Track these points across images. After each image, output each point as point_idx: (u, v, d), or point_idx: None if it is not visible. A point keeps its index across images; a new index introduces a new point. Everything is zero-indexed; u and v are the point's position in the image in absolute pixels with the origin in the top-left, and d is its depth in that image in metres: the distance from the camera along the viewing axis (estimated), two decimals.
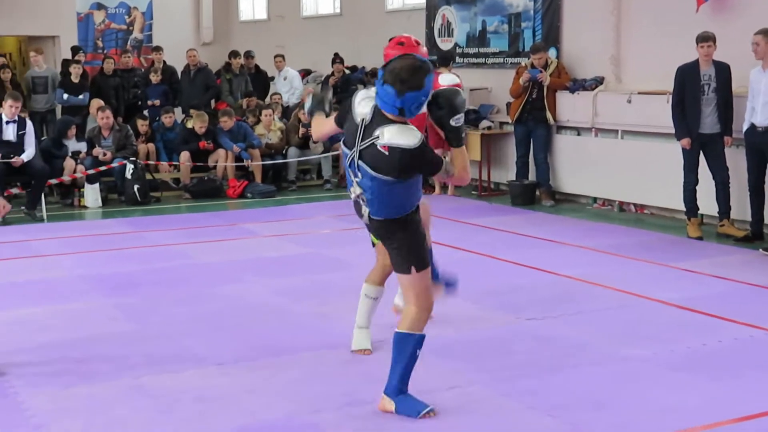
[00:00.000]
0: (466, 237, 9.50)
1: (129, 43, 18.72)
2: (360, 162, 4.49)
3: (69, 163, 11.94)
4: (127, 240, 9.62)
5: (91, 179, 11.91)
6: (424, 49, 5.49)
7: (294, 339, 5.98)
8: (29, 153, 10.97)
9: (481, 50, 13.38)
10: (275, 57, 15.72)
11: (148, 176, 12.51)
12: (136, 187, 12.04)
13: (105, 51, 17.94)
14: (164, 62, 15.17)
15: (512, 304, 6.88)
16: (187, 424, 4.67)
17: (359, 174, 4.54)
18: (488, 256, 8.55)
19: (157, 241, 9.50)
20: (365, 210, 4.69)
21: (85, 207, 11.86)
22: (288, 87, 15.29)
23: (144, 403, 4.96)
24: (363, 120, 4.52)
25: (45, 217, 11.03)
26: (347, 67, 15.09)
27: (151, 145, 13.10)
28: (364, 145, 4.46)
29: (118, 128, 12.56)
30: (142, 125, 13.25)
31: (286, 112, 14.43)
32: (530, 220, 10.55)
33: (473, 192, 12.74)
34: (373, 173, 4.46)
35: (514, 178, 12.02)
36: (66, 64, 15.23)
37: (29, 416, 4.78)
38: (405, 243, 4.66)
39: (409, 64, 4.37)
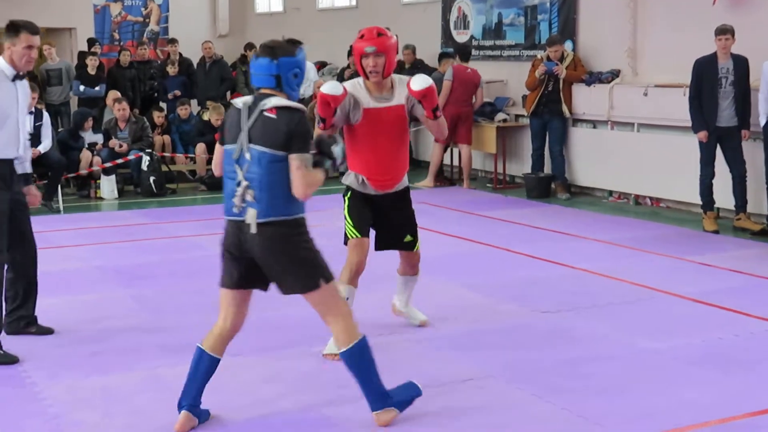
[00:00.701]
0: (481, 230, 9.49)
1: (145, 35, 18.75)
2: (250, 145, 4.25)
3: (85, 154, 11.99)
4: (143, 231, 9.66)
5: (107, 171, 11.95)
6: (393, 39, 5.39)
7: (309, 331, 5.99)
8: (46, 145, 11.01)
9: (497, 43, 13.34)
10: None
11: (164, 168, 12.56)
12: (152, 178, 12.09)
13: (121, 43, 17.96)
14: (180, 54, 15.20)
15: (527, 297, 6.87)
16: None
17: (246, 161, 4.25)
18: (503, 249, 8.54)
19: (173, 232, 9.54)
20: (251, 216, 4.24)
21: (101, 198, 11.90)
22: (304, 79, 15.28)
23: (160, 393, 4.98)
24: (245, 103, 4.37)
25: (62, 208, 11.07)
26: None
27: (167, 137, 13.14)
28: (251, 121, 4.28)
29: (135, 120, 12.61)
30: (158, 117, 13.28)
31: (301, 104, 14.41)
32: (545, 213, 10.53)
33: (488, 185, 12.72)
34: (262, 148, 4.22)
35: (529, 171, 11.98)
36: (82, 56, 15.27)
37: (47, 405, 4.81)
38: (303, 255, 4.32)
39: (277, 40, 4.50)
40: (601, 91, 11.34)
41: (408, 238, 5.71)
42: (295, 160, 4.18)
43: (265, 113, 4.25)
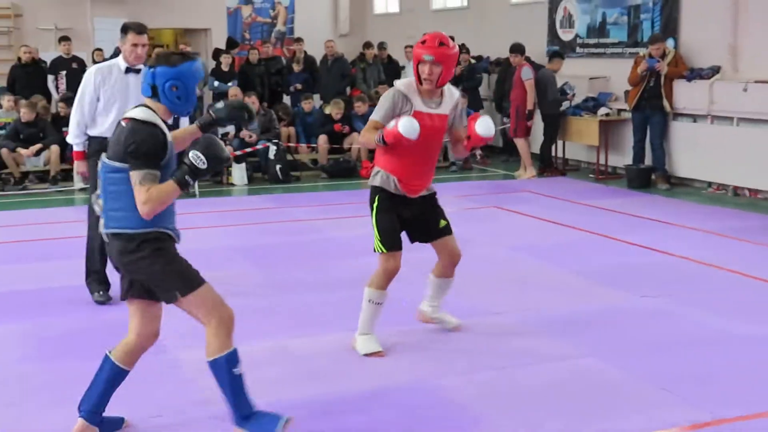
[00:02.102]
0: (582, 218, 9.35)
1: (273, 35, 19.00)
2: (103, 156, 3.90)
3: None
4: (269, 215, 9.82)
5: (238, 159, 12.18)
6: (454, 50, 4.96)
7: (414, 311, 5.99)
8: None
9: (601, 41, 13.10)
10: (405, 47, 15.73)
11: (289, 157, 12.73)
12: (278, 166, 12.27)
13: (251, 42, 18.25)
14: (305, 52, 15.37)
15: (626, 281, 6.74)
16: (326, 383, 4.75)
17: (99, 172, 3.93)
18: (604, 236, 8.39)
19: (297, 216, 9.67)
20: (101, 226, 3.94)
21: (232, 184, 12.14)
22: None
23: (287, 363, 5.06)
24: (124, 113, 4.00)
25: (197, 192, 11.33)
26: (473, 57, 14.99)
27: (292, 129, 13.33)
28: (113, 134, 3.92)
29: (263, 113, 12.81)
30: (284, 110, 13.47)
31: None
32: (646, 203, 10.30)
33: (590, 175, 12.52)
34: (104, 158, 3.87)
35: (630, 163, 11.75)
36: (218, 53, 15.57)
37: (182, 373, 4.93)
38: (156, 266, 3.86)
39: (172, 51, 4.12)
40: (701, 86, 11.02)
41: (442, 222, 5.23)
42: (132, 176, 3.75)
43: (121, 122, 3.87)
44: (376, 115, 5.01)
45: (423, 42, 4.96)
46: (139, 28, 6.18)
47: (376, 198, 5.09)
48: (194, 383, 4.76)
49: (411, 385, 4.73)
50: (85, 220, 6.41)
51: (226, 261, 7.61)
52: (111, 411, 4.21)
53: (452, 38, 5.07)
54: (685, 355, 5.13)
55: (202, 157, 3.82)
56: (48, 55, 14.56)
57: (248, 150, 12.24)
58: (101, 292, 6.34)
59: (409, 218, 5.16)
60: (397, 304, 6.16)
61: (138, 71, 6.11)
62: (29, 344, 5.45)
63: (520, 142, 12.58)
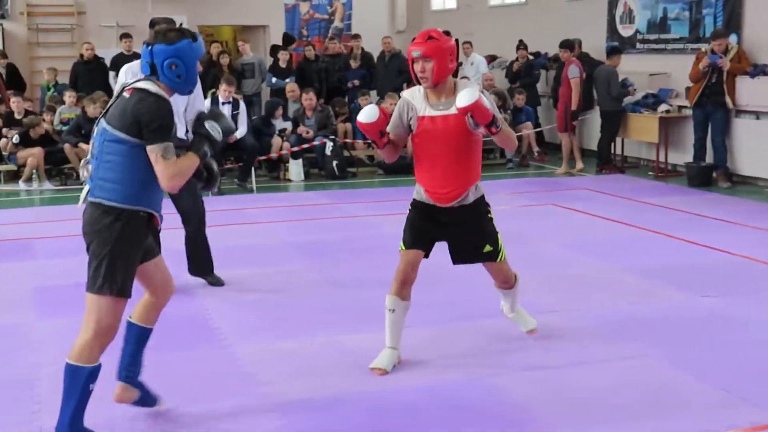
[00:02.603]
0: (641, 215, 9.23)
1: (330, 31, 19.07)
2: (102, 119, 3.82)
3: (276, 140, 12.31)
4: (326, 211, 9.86)
5: (295, 155, 12.26)
6: (446, 43, 4.61)
7: (474, 305, 5.99)
8: (242, 131, 11.37)
9: (662, 36, 12.91)
10: (463, 43, 15.67)
11: (346, 153, 12.76)
12: (334, 162, 12.31)
13: (309, 39, 18.33)
14: (362, 49, 15.40)
15: (687, 281, 6.64)
16: (379, 380, 4.76)
17: (94, 137, 3.84)
18: (663, 234, 8.28)
19: (353, 212, 9.70)
20: (84, 192, 3.88)
21: (289, 180, 12.22)
22: (474, 72, 15.24)
23: (341, 358, 5.09)
24: (123, 84, 3.93)
25: (254, 188, 11.43)
26: (531, 53, 14.90)
27: (348, 125, 13.35)
28: (113, 101, 3.84)
29: (321, 109, 12.86)
30: (341, 106, 13.51)
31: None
32: (706, 201, 10.14)
33: (650, 173, 12.36)
34: (105, 125, 3.77)
35: (691, 160, 11.58)
36: (275, 50, 15.68)
37: (240, 365, 4.99)
38: (109, 248, 3.74)
39: (169, 26, 3.94)
40: (765, 83, 10.79)
41: (487, 248, 4.87)
42: (150, 152, 3.69)
43: (124, 92, 3.80)
44: (388, 127, 4.84)
45: (413, 39, 4.74)
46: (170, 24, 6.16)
47: (410, 205, 4.95)
48: (253, 377, 4.81)
49: (464, 382, 4.72)
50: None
51: (282, 256, 7.66)
52: (169, 401, 4.28)
53: (447, 33, 4.74)
54: (746, 356, 5.04)
55: (218, 127, 3.88)
56: (109, 52, 14.78)
57: (305, 146, 12.31)
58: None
59: (449, 231, 4.86)
60: (451, 300, 6.16)
61: None
62: None
63: (565, 138, 12.56)
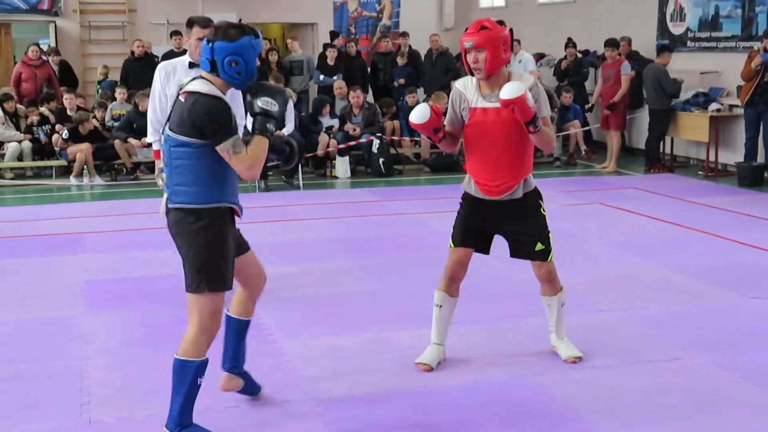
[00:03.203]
0: (690, 215, 9.12)
1: (378, 29, 19.09)
2: (166, 127, 3.86)
3: (323, 137, 12.35)
4: (372, 208, 9.87)
5: (342, 152, 12.29)
6: (500, 33, 4.53)
7: (517, 304, 5.95)
8: (289, 128, 11.41)
9: (713, 34, 12.72)
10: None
11: (392, 151, 12.77)
12: (381, 160, 12.32)
13: (356, 36, 18.37)
14: (410, 46, 15.38)
15: (736, 282, 6.55)
16: (422, 377, 4.75)
17: (165, 145, 3.88)
18: (713, 235, 8.16)
19: (399, 209, 9.69)
20: (165, 199, 3.91)
21: (335, 177, 12.25)
22: (522, 69, 15.15)
23: (384, 355, 5.09)
24: (180, 84, 3.95)
25: (301, 185, 11.48)
26: (579, 52, 14.78)
27: (395, 122, 13.36)
28: (172, 104, 3.88)
29: (368, 107, 12.88)
30: (388, 106, 13.52)
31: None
32: (757, 202, 9.97)
33: (699, 172, 12.20)
34: (169, 131, 3.81)
35: (741, 160, 11.40)
36: (326, 48, 15.72)
37: (285, 361, 5.02)
38: (197, 249, 3.80)
39: (230, 23, 3.92)
40: None
41: (539, 246, 4.78)
42: (221, 152, 3.74)
43: (180, 97, 3.82)
44: (445, 120, 4.81)
45: (466, 28, 4.66)
46: (205, 22, 6.04)
47: (461, 198, 4.89)
48: (296, 372, 4.83)
49: (507, 380, 4.70)
50: None
51: (328, 253, 7.68)
52: (214, 395, 4.32)
53: (501, 22, 4.63)
54: None
55: (271, 100, 3.85)
56: (160, 50, 14.94)
57: (352, 143, 12.33)
58: None
59: (500, 226, 4.80)
60: (495, 298, 6.13)
61: None
62: (135, 331, 5.61)
63: (616, 137, 12.49)
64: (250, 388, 4.43)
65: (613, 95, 12.33)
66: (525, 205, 4.77)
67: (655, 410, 4.30)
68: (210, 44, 3.82)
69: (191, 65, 6.10)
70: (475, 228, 4.83)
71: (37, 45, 14.18)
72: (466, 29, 4.65)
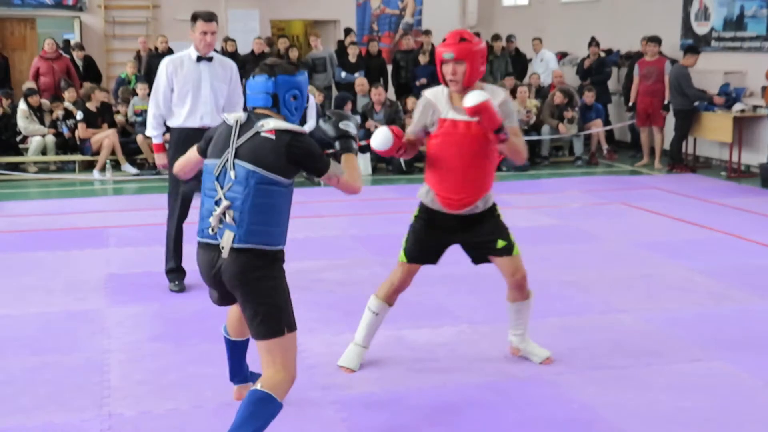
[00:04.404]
0: (713, 216, 9.06)
1: (401, 26, 19.08)
2: (236, 161, 3.63)
3: None
4: (393, 205, 9.87)
5: (363, 149, 12.27)
6: (478, 46, 4.51)
7: (540, 305, 5.93)
8: (310, 125, 11.42)
9: (738, 34, 12.63)
10: (533, 40, 15.56)
11: None
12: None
13: (379, 34, 18.38)
14: (432, 45, 15.36)
15: (759, 284, 6.50)
16: (441, 374, 4.75)
17: (230, 180, 3.64)
18: (736, 236, 8.11)
19: None
20: (226, 240, 3.62)
21: None
22: (544, 68, 15.11)
23: (402, 352, 5.10)
24: (237, 120, 3.75)
25: (321, 181, 11.46)
26: (603, 51, 14.71)
27: None
28: (244, 139, 3.66)
29: (389, 104, 12.87)
30: (410, 102, 13.50)
31: (540, 92, 14.27)
32: None
33: (722, 173, 12.11)
34: (253, 167, 3.61)
35: (765, 161, 11.31)
36: (342, 45, 15.72)
37: (305, 357, 5.01)
38: (275, 292, 3.67)
39: (280, 60, 3.97)
40: None
41: (500, 243, 4.67)
42: (329, 180, 3.84)
43: (263, 133, 3.65)
44: (409, 127, 4.79)
45: (444, 40, 4.59)
46: (208, 16, 6.21)
47: (416, 210, 4.84)
48: (316, 369, 4.84)
49: (527, 379, 4.69)
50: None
51: (348, 249, 7.70)
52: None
53: (478, 34, 4.63)
54: None
55: (351, 124, 4.04)
56: (182, 45, 14.97)
57: None
58: (177, 282, 6.42)
59: (457, 236, 4.73)
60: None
61: (210, 59, 6.25)
62: (156, 325, 5.64)
63: (660, 133, 12.67)
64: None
65: (656, 93, 12.29)
66: (483, 215, 4.70)
67: (676, 412, 4.28)
68: (272, 78, 3.74)
69: (199, 59, 6.18)
70: (429, 242, 4.76)
71: (53, 39, 14.30)
72: (444, 39, 4.60)
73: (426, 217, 4.75)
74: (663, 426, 4.12)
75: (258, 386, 3.58)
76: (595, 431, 4.09)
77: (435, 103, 4.63)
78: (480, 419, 4.21)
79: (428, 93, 4.70)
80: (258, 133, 3.66)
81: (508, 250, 4.70)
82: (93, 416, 4.24)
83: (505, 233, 4.72)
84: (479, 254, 4.80)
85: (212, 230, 3.66)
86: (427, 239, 4.74)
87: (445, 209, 4.65)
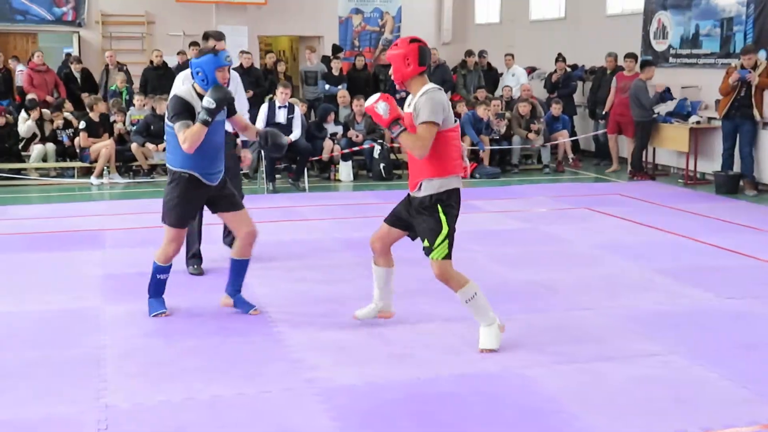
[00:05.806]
0: (670, 221, 9.12)
1: (381, 42, 19.09)
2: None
3: (327, 143, 12.35)
4: (373, 209, 9.85)
5: (345, 157, 12.29)
6: (402, 50, 4.91)
7: (509, 304, 5.95)
8: (296, 134, 11.43)
9: (694, 51, 12.75)
10: (505, 56, 15.61)
11: (393, 156, 12.77)
12: (382, 165, 12.32)
13: (360, 49, 18.38)
14: None
15: (713, 283, 6.55)
16: (418, 368, 4.75)
17: None
18: (691, 239, 8.17)
19: None
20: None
21: (339, 180, 12.25)
22: (515, 82, 15.17)
23: (381, 348, 5.09)
24: None
25: (307, 187, 11.48)
26: (568, 66, 14.78)
27: None
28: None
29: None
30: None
31: (510, 104, 14.32)
32: (733, 208, 9.98)
33: (679, 180, 12.19)
34: (167, 120, 5.35)
35: (719, 169, 11.40)
36: (326, 59, 15.72)
37: (289, 352, 5.01)
38: (167, 196, 5.41)
39: (205, 48, 5.63)
40: None
41: (426, 243, 4.91)
42: (174, 128, 5.25)
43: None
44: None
45: (395, 44, 5.03)
46: (219, 36, 6.75)
47: None
48: (301, 362, 4.83)
49: (497, 373, 4.69)
50: None
51: (331, 251, 7.69)
52: (221, 382, 4.31)
53: (416, 39, 5.01)
54: None
55: (212, 99, 5.12)
56: (176, 59, 14.94)
57: (355, 149, 12.33)
58: (195, 266, 6.84)
59: (411, 217, 5.02)
60: (486, 296, 6.13)
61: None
62: (149, 322, 5.61)
63: (632, 141, 12.81)
64: (243, 306, 5.73)
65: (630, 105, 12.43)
66: (426, 204, 4.89)
67: (634, 403, 4.30)
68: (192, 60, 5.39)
69: None
70: (399, 208, 5.16)
71: (41, 52, 14.37)
72: (394, 44, 5.05)
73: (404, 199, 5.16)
74: (623, 416, 4.14)
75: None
76: (560, 421, 4.10)
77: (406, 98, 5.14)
78: (452, 409, 4.21)
79: None
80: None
81: (427, 251, 4.92)
82: (89, 408, 4.21)
83: (434, 233, 4.87)
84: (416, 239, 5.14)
85: None
86: (399, 207, 5.17)
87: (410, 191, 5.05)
